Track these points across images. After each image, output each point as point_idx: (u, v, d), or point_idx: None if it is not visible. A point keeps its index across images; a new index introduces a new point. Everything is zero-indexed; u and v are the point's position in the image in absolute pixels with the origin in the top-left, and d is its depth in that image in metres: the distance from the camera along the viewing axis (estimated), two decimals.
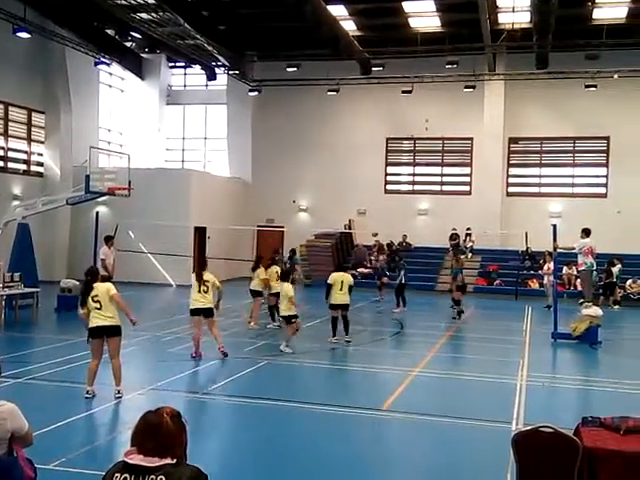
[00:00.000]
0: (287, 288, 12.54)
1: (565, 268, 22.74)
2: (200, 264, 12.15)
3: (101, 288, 9.01)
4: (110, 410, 8.57)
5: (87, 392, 8.83)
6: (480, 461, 6.96)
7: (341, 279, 13.77)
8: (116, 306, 9.02)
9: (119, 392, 8.91)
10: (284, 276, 13.25)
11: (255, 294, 15.77)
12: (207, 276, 11.61)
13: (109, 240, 17.36)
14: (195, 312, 11.66)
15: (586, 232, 15.42)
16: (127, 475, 2.88)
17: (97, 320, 8.92)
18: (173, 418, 2.98)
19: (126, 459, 2.90)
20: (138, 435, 2.96)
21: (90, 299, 8.94)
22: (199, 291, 11.56)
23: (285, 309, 12.55)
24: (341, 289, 13.65)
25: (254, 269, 15.82)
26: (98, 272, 9.79)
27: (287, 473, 6.55)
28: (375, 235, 26.98)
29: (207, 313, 11.61)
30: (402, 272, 19.33)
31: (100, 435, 7.46)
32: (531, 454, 5.03)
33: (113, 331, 9.02)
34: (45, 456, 5.82)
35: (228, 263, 25.52)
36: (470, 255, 26.39)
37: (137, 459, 2.88)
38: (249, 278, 16.36)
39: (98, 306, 8.93)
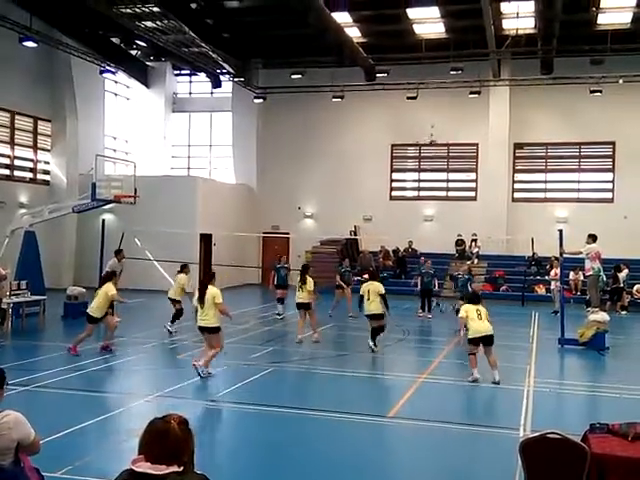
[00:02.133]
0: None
1: (572, 273, 22.66)
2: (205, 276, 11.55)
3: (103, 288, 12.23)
4: (117, 417, 8.58)
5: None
6: (487, 468, 6.94)
7: (367, 288, 13.60)
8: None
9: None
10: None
11: (304, 307, 14.53)
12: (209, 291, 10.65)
13: (119, 253, 17.45)
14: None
15: (593, 237, 15.39)
16: None
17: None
18: (180, 425, 2.97)
19: (133, 467, 2.90)
20: (145, 443, 2.95)
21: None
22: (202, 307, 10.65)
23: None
24: (368, 298, 13.49)
25: (304, 281, 14.47)
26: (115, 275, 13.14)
27: (293, 479, 6.54)
28: (383, 248, 27.19)
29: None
30: (434, 279, 19.84)
31: (107, 443, 7.46)
32: (539, 461, 5.01)
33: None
34: (52, 464, 5.82)
35: (233, 270, 25.51)
36: (476, 261, 26.33)
37: (144, 467, 2.88)
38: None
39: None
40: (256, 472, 6.76)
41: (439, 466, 7.12)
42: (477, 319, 10.70)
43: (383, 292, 13.51)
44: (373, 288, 13.52)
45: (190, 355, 12.65)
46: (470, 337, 10.72)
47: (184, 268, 15.98)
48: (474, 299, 11.18)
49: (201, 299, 10.49)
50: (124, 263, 17.73)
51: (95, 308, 12.43)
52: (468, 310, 10.88)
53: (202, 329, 10.60)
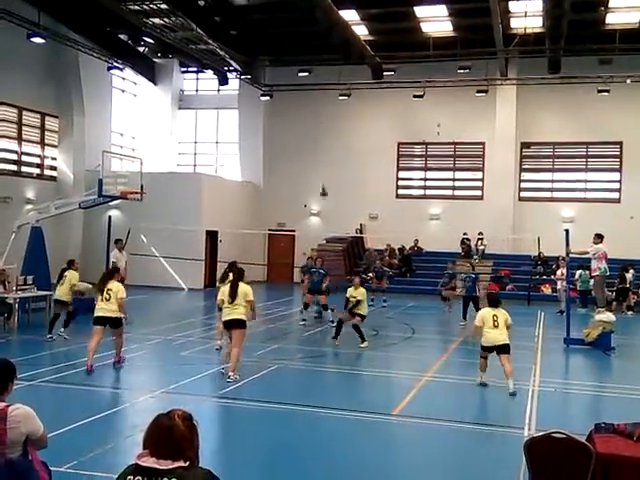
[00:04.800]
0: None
1: (578, 273, 22.58)
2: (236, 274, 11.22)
3: (115, 286, 10.95)
4: (122, 413, 8.61)
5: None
6: (492, 467, 6.93)
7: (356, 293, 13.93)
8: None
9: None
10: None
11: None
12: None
13: (118, 242, 17.44)
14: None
15: (600, 237, 15.36)
16: (140, 477, 2.88)
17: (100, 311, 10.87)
18: (185, 421, 2.98)
19: (139, 461, 2.91)
20: (150, 438, 2.96)
21: (104, 291, 10.88)
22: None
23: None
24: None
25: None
26: (119, 271, 12.07)
27: (297, 476, 6.54)
28: (389, 246, 27.14)
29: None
30: (474, 283, 17.75)
31: (112, 438, 7.48)
32: (544, 460, 5.00)
33: (113, 322, 10.95)
34: (58, 459, 5.84)
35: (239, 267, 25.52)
36: (477, 260, 26.04)
37: (150, 462, 2.89)
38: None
39: (107, 297, 10.84)
40: (260, 468, 6.78)
41: (444, 464, 7.12)
42: (493, 327, 10.11)
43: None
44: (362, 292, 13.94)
45: (194, 352, 12.69)
46: (483, 345, 10.30)
47: (71, 265, 14.04)
48: (492, 302, 10.45)
49: (232, 295, 10.40)
50: (126, 255, 17.69)
51: (113, 310, 10.94)
52: (484, 317, 10.25)
53: (230, 323, 10.48)
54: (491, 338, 10.12)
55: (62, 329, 13.42)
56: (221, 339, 12.51)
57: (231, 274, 11.76)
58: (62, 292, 13.52)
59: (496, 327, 10.10)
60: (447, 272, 20.01)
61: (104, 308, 10.81)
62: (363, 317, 13.76)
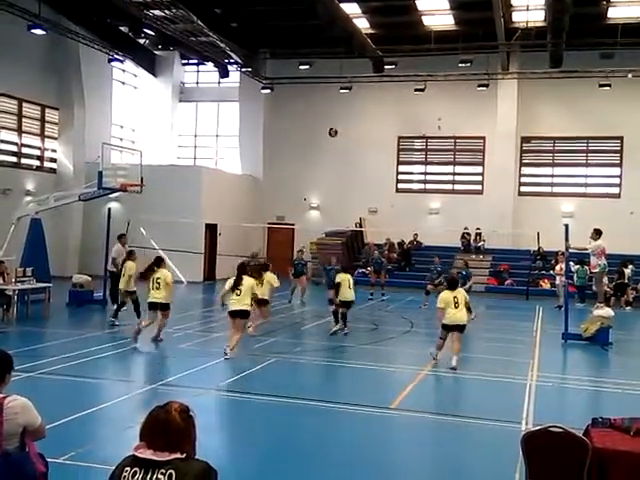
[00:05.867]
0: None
1: (575, 267, 22.59)
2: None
3: (163, 274, 12.45)
4: (120, 405, 8.62)
5: None
6: (489, 461, 6.95)
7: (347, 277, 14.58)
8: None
9: None
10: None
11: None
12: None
13: (122, 238, 17.45)
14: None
15: (598, 232, 15.34)
16: (137, 469, 2.89)
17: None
18: (182, 414, 2.98)
19: (136, 453, 2.92)
20: (147, 430, 2.97)
21: (152, 280, 12.37)
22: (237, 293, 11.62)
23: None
24: (349, 287, 14.39)
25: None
26: (163, 260, 13.19)
27: (294, 469, 6.55)
28: (388, 240, 27.12)
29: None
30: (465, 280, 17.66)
31: (110, 429, 7.50)
32: (540, 454, 5.02)
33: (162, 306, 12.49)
34: (55, 450, 5.85)
35: (238, 260, 25.51)
36: (474, 256, 26.12)
37: (147, 453, 2.90)
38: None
39: (157, 286, 12.33)
40: (257, 461, 6.78)
41: (441, 457, 7.14)
42: (454, 308, 11.14)
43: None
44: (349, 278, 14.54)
45: (193, 344, 12.71)
46: (444, 323, 11.22)
47: (130, 255, 14.85)
48: (452, 284, 11.55)
49: (237, 286, 11.55)
50: (127, 249, 17.71)
51: (162, 297, 12.44)
52: (446, 300, 11.24)
53: (236, 313, 11.52)
54: (453, 318, 11.15)
55: (137, 320, 13.75)
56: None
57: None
58: (122, 283, 14.57)
59: (457, 307, 11.17)
60: (433, 267, 20.00)
61: (155, 296, 12.37)
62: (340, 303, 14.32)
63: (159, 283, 12.32)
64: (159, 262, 12.81)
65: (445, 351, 11.36)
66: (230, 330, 11.73)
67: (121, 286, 14.62)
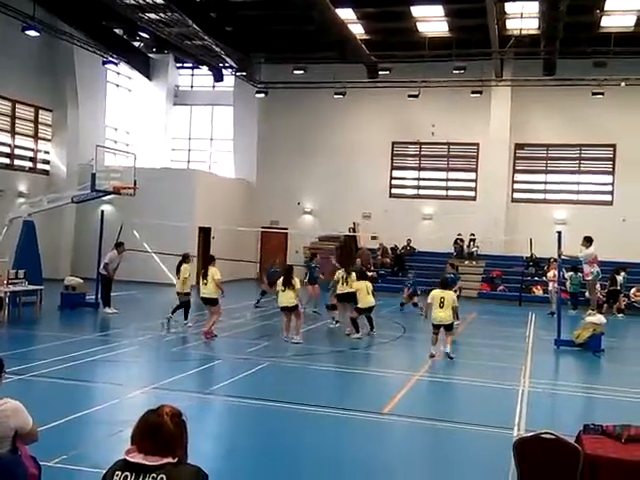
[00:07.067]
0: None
1: (568, 274, 22.67)
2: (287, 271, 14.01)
3: (211, 271, 13.67)
4: (112, 408, 8.58)
5: None
6: (480, 467, 6.95)
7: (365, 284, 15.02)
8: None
9: None
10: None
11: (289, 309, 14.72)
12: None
13: (119, 246, 17.41)
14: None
15: (588, 240, 15.39)
16: (128, 473, 2.88)
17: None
18: (174, 418, 2.97)
19: (127, 457, 2.90)
20: (138, 435, 2.96)
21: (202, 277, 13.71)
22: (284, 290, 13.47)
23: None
24: (368, 293, 14.85)
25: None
26: (214, 258, 14.45)
27: (286, 474, 6.54)
28: (374, 238, 27.02)
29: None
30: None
31: (101, 433, 7.47)
32: (532, 460, 5.03)
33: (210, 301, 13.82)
34: (47, 453, 5.81)
35: (232, 264, 25.49)
36: (467, 262, 26.19)
37: (138, 457, 2.89)
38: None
39: (205, 282, 13.59)
40: (249, 465, 6.77)
41: (432, 463, 7.14)
42: (439, 308, 12.17)
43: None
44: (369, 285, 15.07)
45: (185, 348, 12.67)
46: (433, 323, 12.43)
47: (185, 259, 15.40)
48: (442, 284, 12.63)
49: (286, 283, 13.30)
50: (124, 256, 17.70)
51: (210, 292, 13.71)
52: (434, 297, 12.32)
53: (284, 308, 13.59)
54: (438, 318, 12.26)
55: (185, 321, 14.90)
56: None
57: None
58: (178, 285, 15.14)
59: (442, 307, 12.16)
60: (407, 280, 19.93)
61: (203, 291, 13.64)
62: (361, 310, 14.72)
63: (207, 279, 13.54)
64: (210, 260, 14.28)
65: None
66: (284, 323, 13.95)
67: (177, 289, 15.19)
